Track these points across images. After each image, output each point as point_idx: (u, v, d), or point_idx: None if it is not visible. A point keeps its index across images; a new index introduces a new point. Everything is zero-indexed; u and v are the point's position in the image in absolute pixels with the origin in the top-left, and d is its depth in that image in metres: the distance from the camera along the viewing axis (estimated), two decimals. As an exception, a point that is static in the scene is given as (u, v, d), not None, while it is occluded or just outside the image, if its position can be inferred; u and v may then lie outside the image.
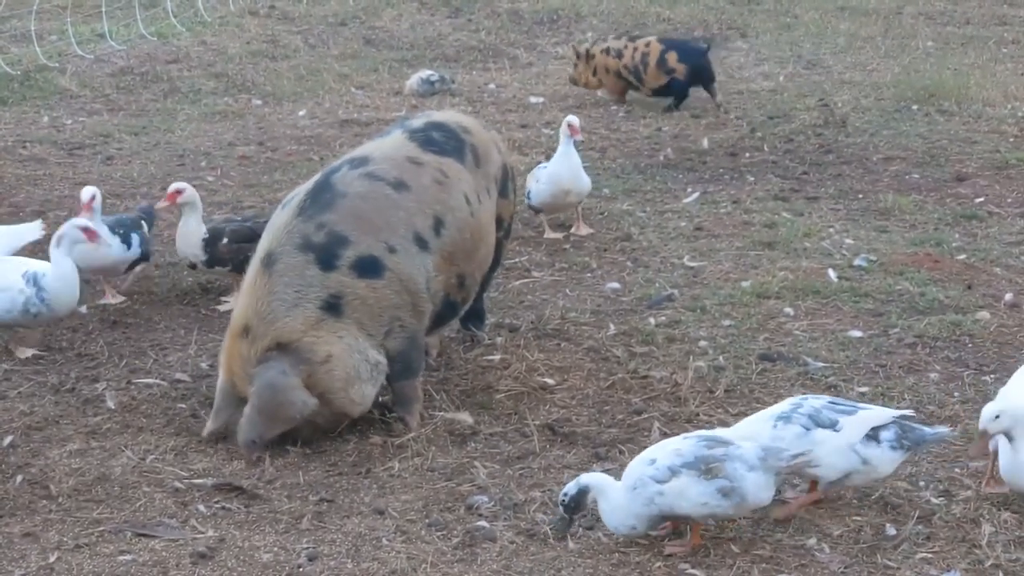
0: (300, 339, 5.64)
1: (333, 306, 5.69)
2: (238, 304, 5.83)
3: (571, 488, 4.96)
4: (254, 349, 5.66)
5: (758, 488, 4.91)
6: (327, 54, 14.79)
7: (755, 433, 5.07)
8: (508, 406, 6.21)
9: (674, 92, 12.22)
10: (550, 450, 5.80)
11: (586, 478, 5.00)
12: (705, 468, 4.87)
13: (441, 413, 6.08)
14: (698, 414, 6.08)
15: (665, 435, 5.84)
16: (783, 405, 5.19)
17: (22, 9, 15.04)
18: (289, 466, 5.65)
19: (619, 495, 4.93)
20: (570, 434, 5.93)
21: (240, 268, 7.23)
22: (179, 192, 7.40)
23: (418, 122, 6.42)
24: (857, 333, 6.93)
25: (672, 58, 12.10)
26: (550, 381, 6.44)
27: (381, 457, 5.74)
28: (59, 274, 6.63)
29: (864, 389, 6.27)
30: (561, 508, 4.99)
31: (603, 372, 6.53)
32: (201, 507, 5.32)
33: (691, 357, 6.64)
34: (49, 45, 14.54)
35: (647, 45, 12.27)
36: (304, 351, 5.63)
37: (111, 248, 7.23)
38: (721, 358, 6.64)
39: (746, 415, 6.00)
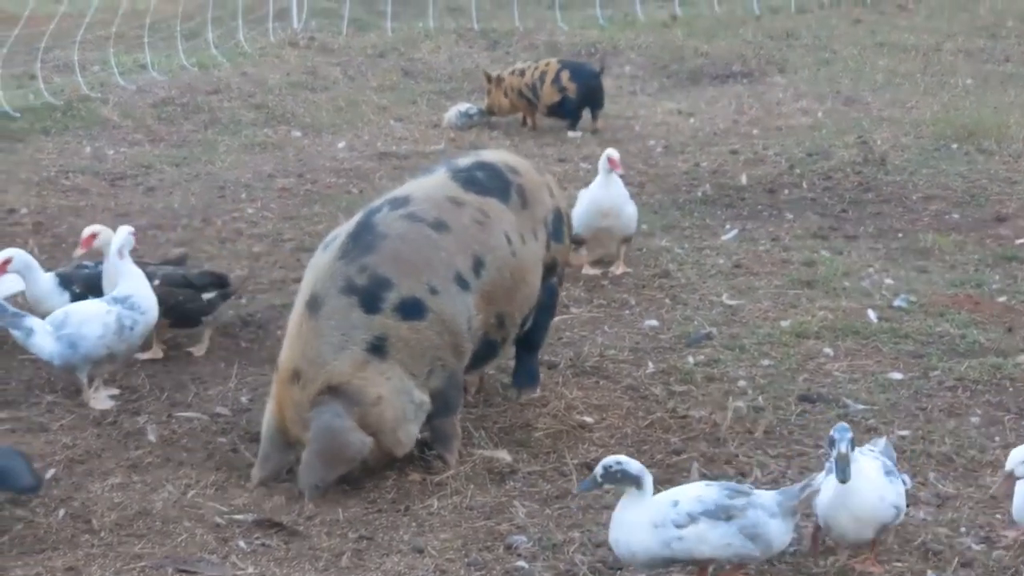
0: (349, 381, 5.65)
1: (378, 348, 5.70)
2: (285, 349, 5.82)
3: (632, 467, 4.83)
4: (306, 393, 5.66)
5: (781, 533, 4.90)
6: (366, 86, 14.87)
7: None
8: (547, 444, 6.21)
9: (566, 111, 12.72)
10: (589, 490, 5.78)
11: (639, 469, 4.85)
12: (725, 517, 4.85)
13: (480, 451, 6.09)
14: (737, 455, 6.07)
15: (704, 476, 5.85)
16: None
17: (65, 40, 15.16)
18: (328, 503, 5.66)
19: (644, 522, 4.88)
20: (609, 474, 5.92)
21: (167, 314, 7.02)
22: (94, 236, 7.15)
23: (464, 162, 6.43)
24: (897, 375, 6.91)
25: (565, 77, 12.64)
26: (589, 419, 6.44)
27: (420, 495, 5.75)
28: (136, 276, 6.73)
29: (905, 432, 6.25)
30: (601, 471, 4.83)
31: (642, 411, 6.53)
32: (241, 543, 5.33)
33: (730, 397, 6.63)
34: (91, 75, 14.66)
35: (546, 64, 12.91)
36: (354, 393, 5.65)
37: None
38: (760, 398, 6.63)
39: (786, 456, 6.05)
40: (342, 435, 5.62)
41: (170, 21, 16.41)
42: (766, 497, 4.91)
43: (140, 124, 12.96)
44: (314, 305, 5.75)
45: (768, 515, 4.87)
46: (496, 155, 6.65)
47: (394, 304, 5.75)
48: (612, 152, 8.50)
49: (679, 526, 4.83)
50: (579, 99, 12.64)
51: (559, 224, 6.55)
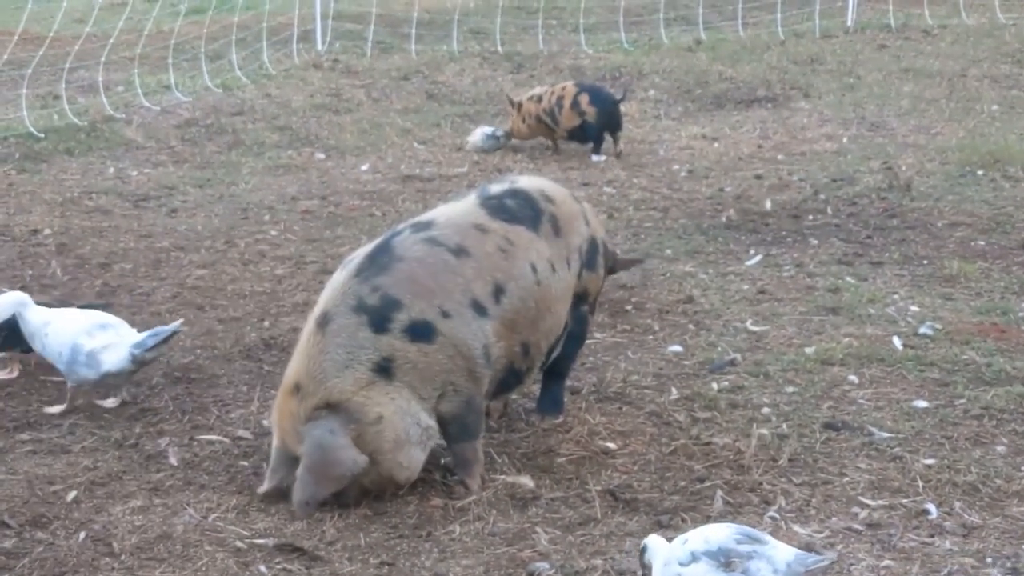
0: (350, 399, 5.66)
1: (384, 368, 5.70)
2: (292, 362, 5.86)
3: (640, 545, 4.97)
4: (304, 407, 5.68)
5: None
6: (390, 108, 14.89)
7: None
8: (569, 470, 6.18)
9: (588, 135, 12.70)
10: (612, 516, 5.75)
11: (649, 540, 4.97)
12: (725, 561, 4.82)
13: (502, 476, 6.06)
14: (761, 483, 6.02)
15: (728, 504, 5.81)
16: None
17: (90, 60, 15.23)
18: (350, 527, 5.64)
19: (660, 566, 4.89)
20: (632, 500, 5.89)
21: None
22: None
23: (496, 188, 6.40)
24: (923, 403, 6.86)
25: (584, 100, 12.62)
26: (612, 445, 6.40)
27: (442, 520, 5.72)
28: None
29: (930, 461, 6.20)
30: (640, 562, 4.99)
31: (665, 437, 6.49)
32: (263, 567, 5.31)
33: (754, 424, 6.58)
34: (116, 96, 14.72)
35: (563, 88, 12.89)
36: (354, 411, 5.65)
37: None
38: (784, 426, 6.59)
39: (810, 485, 6.00)
40: (333, 452, 5.62)
41: (194, 42, 16.48)
42: (779, 552, 4.83)
43: (164, 145, 13.00)
44: (323, 321, 5.77)
45: (771, 570, 4.80)
46: (532, 182, 6.58)
47: (403, 325, 5.74)
48: None
49: (682, 564, 4.83)
50: (600, 123, 12.63)
51: (593, 253, 6.53)
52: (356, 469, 5.65)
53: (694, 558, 4.83)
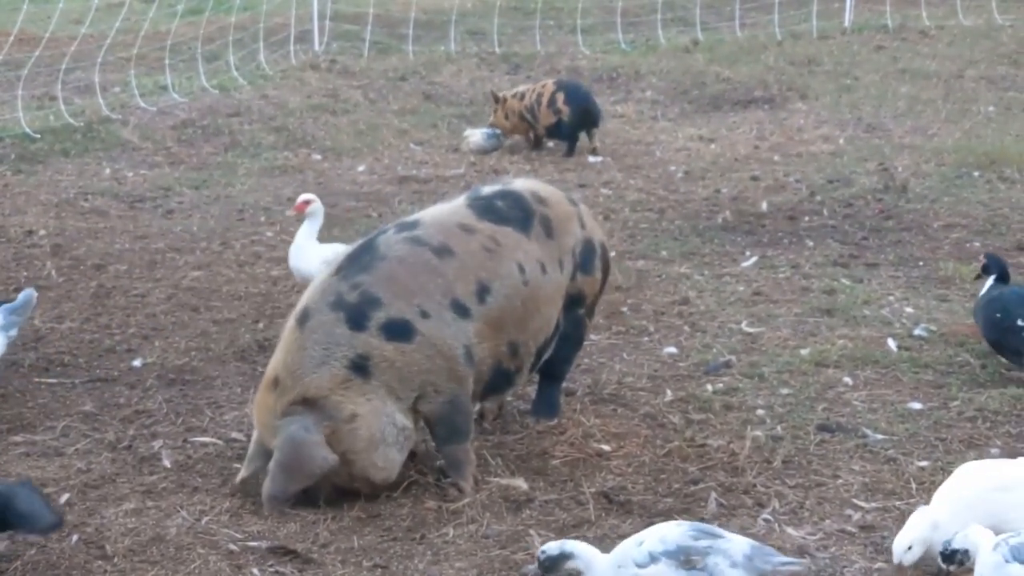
0: (327, 396, 5.69)
1: (361, 367, 5.72)
2: (273, 357, 5.92)
3: (552, 549, 4.89)
4: (280, 402, 5.73)
5: None
6: (387, 109, 14.87)
7: None
8: (564, 472, 6.18)
9: (562, 133, 12.78)
10: (605, 519, 5.75)
11: (571, 545, 4.92)
12: (684, 559, 4.81)
13: (496, 479, 6.06)
14: (755, 485, 6.03)
15: (722, 506, 5.82)
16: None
17: (87, 61, 15.21)
18: (343, 530, 5.64)
19: (604, 570, 4.86)
20: (626, 503, 5.89)
21: None
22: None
23: (487, 190, 6.43)
24: (917, 405, 6.86)
25: (560, 99, 12.69)
26: (606, 448, 6.40)
27: (435, 523, 5.72)
28: None
29: (924, 463, 6.20)
30: (536, 564, 4.91)
31: (659, 439, 6.49)
32: (255, 570, 5.31)
33: (748, 426, 6.58)
34: (112, 97, 14.70)
35: (543, 86, 13.00)
36: (330, 408, 5.69)
37: None
38: (779, 427, 6.59)
39: (804, 487, 6.00)
40: (305, 448, 5.66)
41: (191, 43, 16.46)
42: (735, 544, 4.83)
43: (160, 146, 12.98)
44: (303, 318, 5.81)
45: (729, 564, 4.80)
46: (525, 184, 6.60)
47: (380, 323, 5.76)
48: (304, 196, 8.49)
49: (640, 566, 4.81)
50: (573, 122, 12.69)
51: (589, 255, 6.51)
52: (326, 467, 5.69)
53: (653, 559, 4.81)
